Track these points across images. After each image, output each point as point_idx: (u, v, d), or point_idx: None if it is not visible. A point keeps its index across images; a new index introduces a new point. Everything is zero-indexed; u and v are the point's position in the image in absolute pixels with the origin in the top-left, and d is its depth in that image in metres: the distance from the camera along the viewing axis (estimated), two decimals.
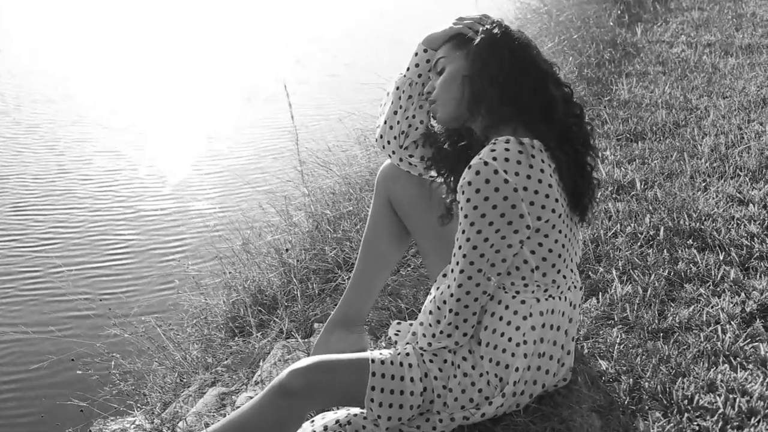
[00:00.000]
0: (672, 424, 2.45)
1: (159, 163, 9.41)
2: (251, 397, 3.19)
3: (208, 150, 9.75)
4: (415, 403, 2.44)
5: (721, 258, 3.46)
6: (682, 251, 3.55)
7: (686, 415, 2.49)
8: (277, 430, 2.46)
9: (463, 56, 2.46)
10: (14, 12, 22.53)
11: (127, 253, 6.80)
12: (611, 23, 9.23)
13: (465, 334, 2.44)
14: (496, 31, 2.42)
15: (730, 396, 2.55)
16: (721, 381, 2.63)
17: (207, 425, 3.07)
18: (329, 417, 2.57)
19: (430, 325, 2.48)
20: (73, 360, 4.83)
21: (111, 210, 7.99)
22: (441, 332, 2.45)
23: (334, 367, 2.49)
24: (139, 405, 4.12)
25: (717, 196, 4.08)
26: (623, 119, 5.62)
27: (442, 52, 2.53)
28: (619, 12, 9.81)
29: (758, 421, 2.44)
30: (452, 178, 2.72)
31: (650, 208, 4.01)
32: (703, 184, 4.28)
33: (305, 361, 2.46)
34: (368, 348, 3.12)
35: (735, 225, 3.74)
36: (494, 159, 2.25)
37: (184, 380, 4.03)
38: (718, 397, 2.55)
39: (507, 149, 2.27)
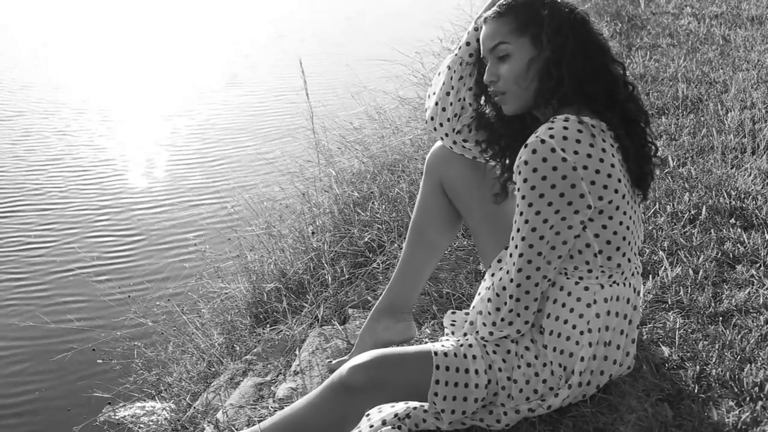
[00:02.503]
0: (747, 413, 2.38)
1: (171, 147, 9.29)
2: (293, 388, 3.11)
3: (221, 131, 9.63)
4: (480, 396, 2.37)
5: (767, 237, 3.40)
6: (726, 231, 3.49)
7: (759, 403, 2.42)
8: (338, 427, 2.39)
9: (529, 43, 2.31)
10: None
11: (144, 238, 6.70)
12: None
13: (527, 322, 2.36)
14: (556, 4, 2.31)
15: None
16: None
17: (249, 418, 2.98)
18: (387, 411, 2.47)
19: (490, 313, 2.39)
20: (93, 350, 4.74)
21: (126, 196, 7.89)
22: (502, 320, 2.36)
23: (397, 362, 2.40)
24: (162, 396, 4.05)
25: (752, 173, 4.01)
26: (643, 93, 5.54)
27: (502, 37, 2.34)
28: None
29: None
30: (508, 156, 2.61)
31: (686, 186, 3.94)
32: (736, 161, 4.21)
33: (366, 356, 2.38)
34: (416, 336, 3.04)
35: None
36: (551, 137, 2.15)
37: (213, 369, 3.93)
38: None
39: (566, 127, 2.17)
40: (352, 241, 4.10)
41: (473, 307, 2.61)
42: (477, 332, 2.47)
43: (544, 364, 2.38)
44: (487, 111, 2.61)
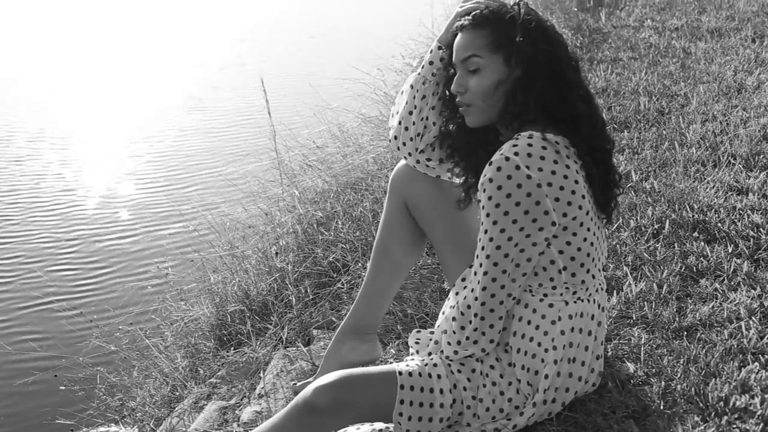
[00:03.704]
0: (712, 428, 2.37)
1: (131, 167, 9.19)
2: (258, 412, 3.08)
3: (181, 152, 9.55)
4: (445, 415, 2.35)
5: (730, 250, 3.41)
6: (689, 244, 3.49)
7: (725, 418, 2.41)
8: None
9: (501, 61, 2.30)
10: None
11: (106, 263, 6.63)
12: (574, 8, 9.22)
13: (492, 340, 2.34)
14: (533, 25, 2.30)
15: (766, 396, 2.48)
16: (754, 380, 2.56)
17: None
18: None
19: (455, 332, 2.37)
20: (56, 376, 4.67)
21: (86, 218, 7.79)
22: (467, 339, 2.34)
23: (361, 382, 2.38)
24: (126, 420, 3.99)
25: (715, 186, 4.03)
26: (605, 107, 5.56)
27: (476, 50, 2.33)
28: None
29: None
30: (471, 161, 2.60)
31: (649, 200, 3.95)
32: (698, 174, 4.23)
33: (331, 377, 2.35)
34: (381, 356, 3.01)
35: (738, 216, 3.70)
36: (516, 154, 2.14)
37: (177, 393, 3.89)
38: (754, 398, 2.47)
39: (530, 144, 2.17)
40: (316, 261, 4.07)
41: (438, 326, 2.59)
42: (442, 351, 2.45)
43: (510, 383, 2.36)
44: (450, 128, 2.60)
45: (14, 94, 13.20)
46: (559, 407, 2.43)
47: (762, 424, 2.37)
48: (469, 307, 2.31)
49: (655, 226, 3.69)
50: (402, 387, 2.33)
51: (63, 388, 4.49)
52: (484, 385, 2.36)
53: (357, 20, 17.32)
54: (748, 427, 2.37)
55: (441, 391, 2.34)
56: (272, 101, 4.96)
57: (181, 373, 4.01)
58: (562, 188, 2.18)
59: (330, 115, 6.02)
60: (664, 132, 4.92)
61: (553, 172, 2.16)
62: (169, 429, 3.42)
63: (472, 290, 2.31)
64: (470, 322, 2.32)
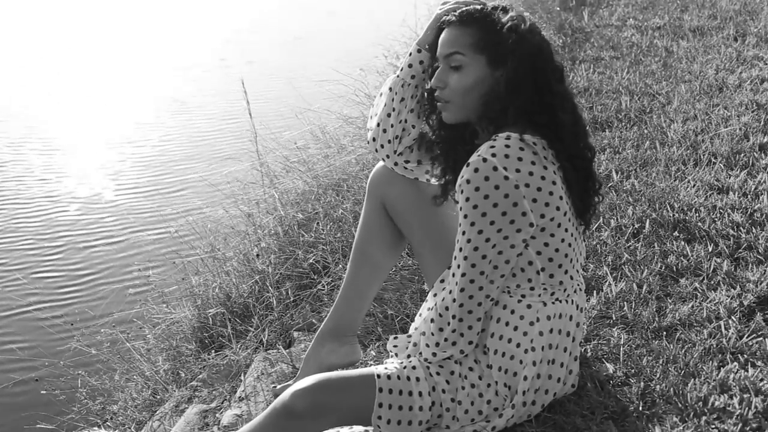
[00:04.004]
0: (691, 428, 2.38)
1: (113, 169, 9.15)
2: (238, 415, 3.08)
3: (163, 154, 9.51)
4: (424, 418, 2.34)
5: (710, 250, 3.42)
6: (670, 244, 3.50)
7: (703, 418, 2.41)
8: None
9: (484, 62, 2.29)
10: None
11: (86, 264, 6.60)
12: (557, 8, 9.23)
13: (470, 342, 2.33)
14: (520, 31, 2.27)
15: (745, 396, 2.48)
16: (733, 380, 2.56)
17: None
18: None
19: (433, 334, 2.37)
20: (37, 380, 4.65)
21: (67, 220, 7.75)
22: (445, 340, 2.34)
23: (340, 386, 2.37)
24: (108, 425, 3.98)
25: (695, 185, 4.04)
26: (587, 107, 5.57)
27: (460, 47, 2.32)
28: None
29: None
30: (449, 157, 2.59)
31: (630, 199, 3.96)
32: (679, 173, 4.24)
33: (309, 381, 2.34)
34: (361, 359, 3.00)
35: (718, 215, 3.71)
36: (493, 155, 2.14)
37: (158, 396, 3.88)
38: (733, 398, 2.48)
39: (507, 145, 2.17)
40: (297, 263, 4.07)
41: (416, 328, 2.58)
42: (420, 353, 2.44)
43: (489, 385, 2.36)
44: (430, 123, 2.60)
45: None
46: (539, 409, 2.44)
47: (740, 424, 2.38)
48: (447, 308, 2.31)
49: (636, 226, 3.69)
50: (381, 390, 2.32)
51: (44, 392, 4.48)
52: (463, 387, 2.36)
53: (343, 20, 17.30)
54: (726, 428, 2.37)
55: (420, 394, 2.33)
56: (255, 103, 4.96)
57: (162, 376, 4.01)
58: (539, 189, 2.17)
59: (312, 117, 6.02)
60: (646, 131, 4.93)
61: (531, 174, 2.16)
62: None
63: (450, 291, 2.31)
64: (448, 323, 2.31)
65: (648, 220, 3.69)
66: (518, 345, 2.32)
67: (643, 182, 4.13)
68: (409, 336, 2.67)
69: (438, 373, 2.37)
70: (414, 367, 2.38)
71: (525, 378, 2.32)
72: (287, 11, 20.15)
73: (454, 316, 2.29)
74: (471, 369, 2.37)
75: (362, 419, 2.35)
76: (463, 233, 2.22)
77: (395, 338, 2.72)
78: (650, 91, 5.83)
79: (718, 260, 3.32)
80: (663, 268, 3.33)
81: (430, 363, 2.40)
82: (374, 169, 2.85)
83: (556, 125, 2.28)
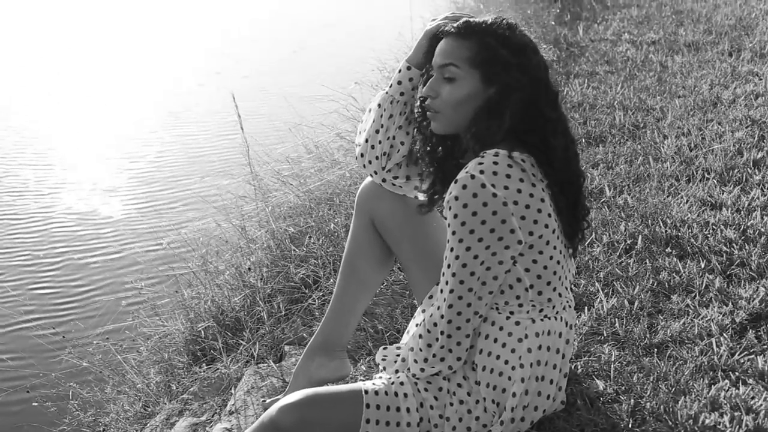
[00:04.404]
0: None
1: (105, 181, 9.15)
2: (227, 429, 3.07)
3: (158, 169, 9.52)
4: None
5: (702, 266, 3.42)
6: (662, 260, 3.50)
7: None
8: None
9: (479, 77, 2.28)
10: None
11: (79, 279, 6.60)
12: (552, 22, 9.26)
13: (459, 358, 2.33)
14: (518, 52, 2.27)
15: (735, 414, 2.49)
16: (724, 398, 2.56)
17: None
18: None
19: (421, 350, 2.36)
20: (28, 392, 4.66)
21: (57, 231, 7.75)
22: (434, 356, 2.33)
23: (327, 401, 2.37)
24: None
25: (688, 200, 4.05)
26: (580, 122, 5.58)
27: (456, 59, 2.30)
28: (557, 11, 9.87)
29: None
30: (438, 171, 2.59)
31: (623, 215, 3.96)
32: (672, 189, 4.25)
33: (296, 396, 2.34)
34: (351, 373, 3.00)
35: (711, 231, 3.71)
36: (481, 172, 2.14)
37: (149, 409, 3.89)
38: (723, 416, 2.48)
39: (495, 162, 2.17)
40: (289, 277, 4.08)
41: (405, 344, 2.58)
42: (408, 369, 2.44)
43: (477, 401, 2.35)
44: (418, 142, 2.59)
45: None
46: (528, 425, 2.43)
47: None
48: (435, 324, 2.30)
49: (628, 242, 3.70)
50: (368, 406, 2.32)
51: (36, 404, 4.50)
52: (451, 404, 2.35)
53: (339, 33, 17.32)
54: None
55: (408, 410, 2.33)
56: (249, 117, 4.99)
57: (153, 389, 4.02)
58: (527, 206, 2.17)
59: (306, 131, 6.03)
60: (639, 146, 4.94)
61: (519, 191, 2.16)
62: None
63: (438, 308, 2.30)
64: (437, 339, 2.31)
65: (640, 236, 3.70)
66: (506, 362, 2.31)
67: (635, 198, 4.14)
68: (399, 347, 2.66)
69: (426, 389, 2.36)
70: (402, 383, 2.38)
71: (513, 394, 2.32)
72: (284, 24, 20.16)
73: (442, 332, 2.29)
74: (459, 385, 2.37)
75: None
76: (452, 249, 2.21)
77: (384, 349, 2.71)
78: (644, 106, 5.85)
79: (711, 277, 3.33)
80: (655, 284, 3.34)
81: (418, 379, 2.39)
82: (362, 184, 2.85)
83: (546, 148, 2.28)
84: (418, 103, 2.54)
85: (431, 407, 2.34)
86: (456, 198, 2.15)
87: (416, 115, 2.58)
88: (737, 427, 2.43)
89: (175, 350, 4.32)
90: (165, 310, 4.72)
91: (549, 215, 2.23)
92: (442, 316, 2.28)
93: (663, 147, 4.86)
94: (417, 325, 2.48)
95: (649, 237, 3.71)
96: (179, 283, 4.73)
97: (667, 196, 4.14)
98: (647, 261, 3.52)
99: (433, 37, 2.42)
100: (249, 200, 5.07)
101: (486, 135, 2.26)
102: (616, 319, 3.10)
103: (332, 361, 2.89)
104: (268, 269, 4.29)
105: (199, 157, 9.68)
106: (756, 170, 4.39)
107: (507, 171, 2.16)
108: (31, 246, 7.46)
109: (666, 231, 3.73)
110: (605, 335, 3.02)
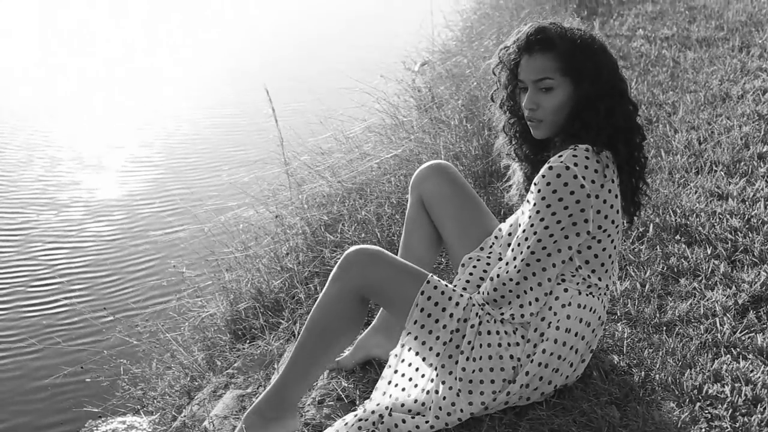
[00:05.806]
0: (686, 413, 2.64)
1: (150, 176, 9.36)
2: None
3: (197, 160, 9.71)
4: (444, 338, 2.60)
5: (709, 252, 3.68)
6: (671, 246, 3.75)
7: (698, 404, 2.68)
8: (347, 313, 2.70)
9: (570, 82, 2.53)
10: None
11: (126, 260, 6.82)
12: (570, 18, 9.39)
13: (521, 306, 2.57)
14: (599, 53, 2.55)
15: (736, 385, 2.75)
16: (726, 371, 2.83)
17: (234, 427, 3.14)
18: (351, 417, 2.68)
19: (488, 293, 2.63)
20: (82, 368, 4.89)
21: (107, 219, 8.00)
22: (502, 297, 2.60)
23: (395, 265, 2.67)
24: (148, 410, 4.20)
25: (697, 191, 4.29)
26: None
27: (548, 73, 2.54)
28: (575, 6, 10.00)
29: (764, 408, 2.64)
30: (528, 167, 2.88)
31: None
32: (682, 180, 4.49)
33: (373, 247, 2.68)
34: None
35: (718, 220, 3.96)
36: (575, 164, 2.43)
37: (196, 383, 4.11)
38: (725, 387, 2.75)
39: (587, 157, 2.46)
40: (324, 261, 4.29)
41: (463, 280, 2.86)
42: (485, 293, 2.66)
43: (512, 344, 2.60)
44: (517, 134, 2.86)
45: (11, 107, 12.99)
46: (551, 389, 2.70)
47: (731, 410, 2.64)
48: (504, 284, 2.57)
49: (640, 230, 3.96)
50: (422, 293, 2.61)
51: (89, 380, 4.73)
52: (488, 332, 2.60)
53: (362, 27, 17.39)
54: (718, 413, 2.64)
55: (451, 315, 2.60)
56: (281, 109, 5.17)
57: (199, 364, 4.24)
58: (605, 202, 2.49)
59: (335, 123, 6.24)
60: (652, 140, 5.18)
61: (602, 186, 2.47)
62: (191, 416, 3.61)
63: (507, 272, 2.57)
64: (504, 284, 2.57)
65: (651, 224, 3.96)
66: (543, 319, 2.58)
67: (648, 188, 4.36)
68: (479, 259, 2.90)
69: (478, 315, 2.61)
70: (462, 296, 2.65)
71: (543, 351, 2.58)
72: (306, 18, 20.24)
73: (510, 291, 2.57)
74: (507, 333, 2.61)
75: (397, 304, 2.68)
76: (531, 225, 2.51)
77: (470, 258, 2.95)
78: (657, 101, 6.06)
79: (716, 262, 3.59)
80: (665, 268, 3.60)
81: (482, 307, 2.64)
82: (417, 170, 3.16)
83: (621, 137, 2.56)
84: (508, 115, 2.81)
85: (471, 326, 2.59)
86: (548, 183, 2.44)
87: (513, 130, 2.84)
88: (737, 396, 2.70)
89: (216, 330, 4.54)
90: (206, 292, 4.93)
91: (618, 212, 2.55)
92: (511, 279, 2.55)
93: (674, 140, 5.10)
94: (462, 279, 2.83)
95: (660, 225, 3.97)
96: (219, 267, 4.95)
97: (677, 187, 4.39)
98: (658, 247, 3.78)
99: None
100: (284, 189, 5.27)
101: (581, 131, 2.54)
102: (629, 300, 3.37)
103: (389, 343, 3.11)
104: (305, 254, 4.51)
105: (236, 148, 9.84)
106: (761, 163, 4.63)
107: (595, 166, 2.45)
108: (71, 231, 7.66)
109: (676, 219, 3.99)
110: (619, 315, 3.30)
